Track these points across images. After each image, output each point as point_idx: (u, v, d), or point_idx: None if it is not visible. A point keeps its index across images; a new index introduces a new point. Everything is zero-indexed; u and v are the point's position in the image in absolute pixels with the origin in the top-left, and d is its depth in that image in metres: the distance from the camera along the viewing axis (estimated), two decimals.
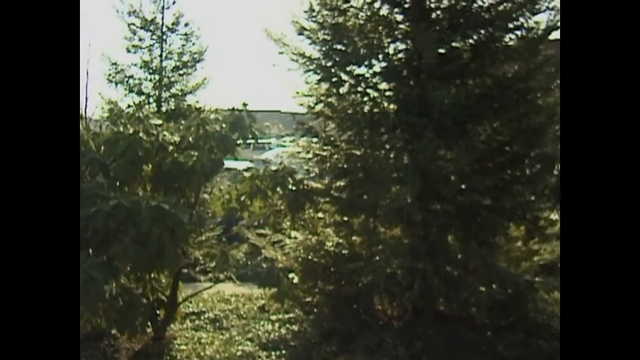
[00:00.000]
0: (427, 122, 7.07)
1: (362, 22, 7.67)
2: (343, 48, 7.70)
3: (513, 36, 7.70)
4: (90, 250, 6.15)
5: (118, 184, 6.84)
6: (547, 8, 7.47)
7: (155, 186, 7.17)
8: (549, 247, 7.44)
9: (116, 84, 19.30)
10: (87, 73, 19.10)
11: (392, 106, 7.78)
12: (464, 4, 7.54)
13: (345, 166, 7.78)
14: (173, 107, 19.10)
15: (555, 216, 7.59)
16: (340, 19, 7.73)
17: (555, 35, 7.50)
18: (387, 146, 7.66)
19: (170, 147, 7.07)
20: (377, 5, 7.70)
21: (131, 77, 19.37)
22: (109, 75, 19.24)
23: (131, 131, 6.83)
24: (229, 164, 8.21)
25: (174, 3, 19.33)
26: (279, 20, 8.05)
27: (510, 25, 7.58)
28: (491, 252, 7.35)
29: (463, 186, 7.24)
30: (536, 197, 7.64)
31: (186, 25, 19.51)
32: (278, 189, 7.76)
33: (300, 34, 7.96)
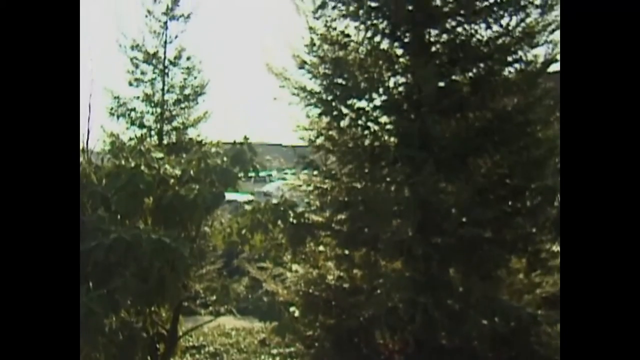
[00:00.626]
0: (427, 155, 7.09)
1: (362, 56, 7.73)
2: (343, 82, 7.75)
3: (512, 69, 7.73)
4: (91, 284, 6.13)
5: (119, 217, 6.84)
6: (545, 42, 7.53)
7: (156, 219, 7.17)
8: (551, 280, 7.40)
9: (118, 117, 19.40)
10: (90, 107, 19.21)
11: (392, 139, 7.81)
12: (463, 38, 7.61)
13: (346, 199, 7.78)
14: (174, 140, 19.17)
15: (556, 248, 7.56)
16: (341, 53, 7.80)
17: (554, 68, 7.55)
18: (388, 179, 7.68)
19: (172, 181, 7.09)
20: (377, 39, 7.77)
21: (133, 110, 19.48)
22: (111, 108, 19.35)
23: (133, 164, 6.86)
24: (230, 196, 8.23)
25: (176, 37, 19.53)
26: (280, 54, 8.10)
27: (509, 59, 7.63)
28: (493, 285, 7.31)
29: (464, 219, 7.23)
30: (537, 230, 7.62)
31: (188, 59, 19.68)
32: (279, 222, 7.76)
33: (301, 68, 8.02)
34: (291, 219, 7.78)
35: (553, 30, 7.47)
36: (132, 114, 19.42)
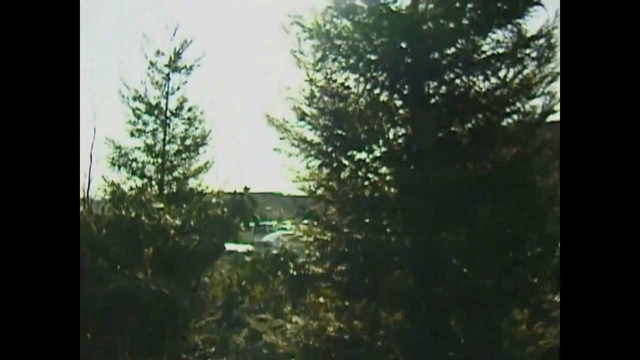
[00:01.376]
0: (427, 205, 7.11)
1: (362, 108, 7.81)
2: (344, 133, 7.82)
3: (510, 120, 7.80)
4: (89, 335, 6.09)
5: (118, 267, 6.83)
6: (543, 93, 7.60)
7: (155, 270, 7.16)
8: (554, 331, 7.33)
9: (119, 167, 19.46)
10: (91, 156, 19.28)
11: (392, 190, 7.84)
12: (461, 89, 7.70)
13: (346, 250, 7.77)
14: (175, 191, 19.19)
15: (559, 299, 7.52)
16: (341, 105, 7.89)
17: (553, 118, 7.62)
18: (388, 230, 7.68)
19: (172, 231, 7.10)
20: (376, 91, 7.86)
21: (134, 160, 19.54)
22: (112, 158, 19.43)
23: (133, 215, 6.88)
24: (230, 246, 8.22)
25: (178, 88, 19.72)
26: (281, 105, 8.18)
27: (507, 110, 7.70)
28: (495, 336, 7.24)
29: (464, 269, 7.21)
30: (539, 280, 7.58)
31: (189, 110, 19.84)
32: (279, 273, 7.74)
33: (302, 119, 8.09)
34: (291, 270, 7.76)
35: (550, 82, 7.56)
36: (133, 164, 19.48)
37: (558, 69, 7.48)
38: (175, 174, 19.60)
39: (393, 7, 7.89)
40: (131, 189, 18.39)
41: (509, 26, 7.64)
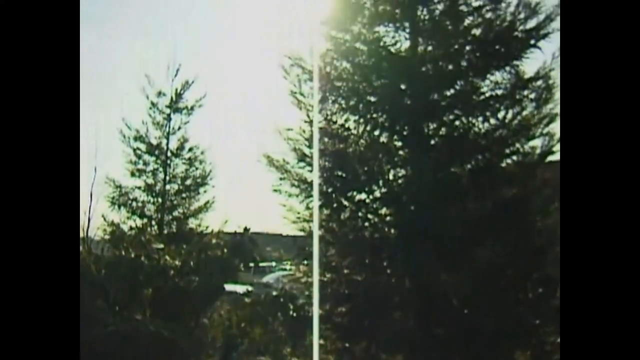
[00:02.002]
0: (427, 246, 7.10)
1: (362, 149, 7.85)
2: (344, 174, 7.84)
3: (510, 161, 7.83)
4: None
5: (117, 308, 6.79)
6: (542, 134, 7.64)
7: (155, 311, 7.12)
8: None
9: (119, 206, 19.41)
10: (91, 195, 19.24)
11: (392, 231, 7.83)
12: (461, 131, 7.74)
13: (346, 291, 7.73)
14: (175, 230, 19.11)
15: (560, 339, 7.43)
16: (341, 146, 7.92)
17: (552, 158, 7.65)
18: (388, 271, 7.65)
19: (172, 272, 7.07)
20: (376, 132, 7.91)
21: (134, 200, 19.50)
22: (113, 198, 19.39)
23: (133, 255, 6.87)
24: (229, 287, 8.18)
25: (179, 128, 19.79)
26: (280, 146, 8.23)
27: (507, 151, 7.74)
28: None
29: (465, 310, 7.17)
30: (540, 321, 7.52)
31: (190, 150, 19.88)
32: (279, 314, 7.69)
33: (301, 160, 8.12)
34: (291, 312, 7.71)
35: (549, 123, 7.62)
36: (134, 203, 19.43)
37: (556, 110, 7.55)
38: (175, 213, 19.54)
39: (392, 49, 8.00)
40: (131, 228, 18.34)
41: (507, 68, 7.73)
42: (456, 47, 7.93)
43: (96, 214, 18.75)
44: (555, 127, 7.59)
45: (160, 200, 19.40)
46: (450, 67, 7.91)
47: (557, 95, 7.55)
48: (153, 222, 19.18)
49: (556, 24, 7.52)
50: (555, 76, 7.55)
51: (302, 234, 8.40)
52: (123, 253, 6.89)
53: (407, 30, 8.00)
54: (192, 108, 19.79)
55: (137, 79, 19.55)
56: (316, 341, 7.61)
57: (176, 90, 19.57)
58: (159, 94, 19.64)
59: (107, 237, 16.62)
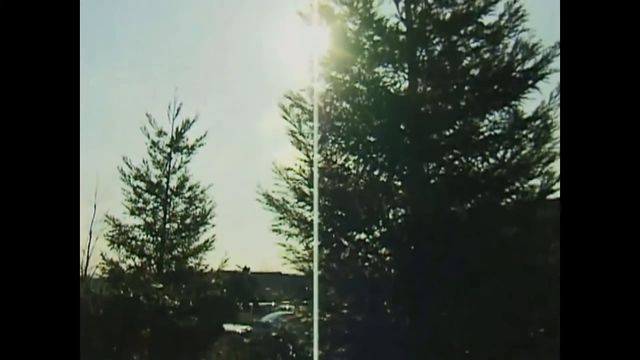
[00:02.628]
0: (427, 285, 7.07)
1: (362, 188, 7.86)
2: (344, 214, 7.84)
3: (509, 200, 7.84)
4: None
5: (115, 348, 6.74)
6: (541, 173, 7.66)
7: (153, 351, 7.06)
8: None
9: (118, 245, 19.34)
10: (90, 234, 19.22)
11: (392, 271, 7.80)
12: (460, 170, 7.76)
13: (346, 332, 7.67)
14: (174, 270, 19.01)
15: None
16: (341, 186, 7.93)
17: (551, 196, 7.65)
18: (389, 311, 7.60)
19: (171, 312, 7.03)
20: (376, 172, 7.93)
21: (134, 238, 19.43)
22: (112, 236, 19.33)
23: (131, 295, 6.83)
24: (228, 327, 8.12)
25: (179, 167, 19.83)
26: (280, 186, 8.24)
27: (506, 190, 7.75)
28: None
29: (466, 350, 7.11)
30: None
31: (190, 189, 19.88)
32: (278, 355, 7.62)
33: (301, 200, 8.13)
34: (291, 352, 7.63)
35: (548, 162, 7.64)
36: (133, 242, 19.36)
37: (555, 149, 7.59)
38: (175, 252, 19.43)
39: (392, 90, 8.07)
40: (130, 267, 18.25)
41: (506, 108, 7.79)
42: (455, 87, 8.00)
43: (95, 253, 18.69)
44: (555, 166, 7.62)
45: (159, 239, 19.32)
46: (449, 107, 7.98)
47: (556, 134, 7.60)
48: (152, 261, 19.07)
49: (554, 64, 7.61)
50: (554, 116, 7.61)
51: (301, 273, 8.37)
52: (122, 292, 6.85)
53: (406, 71, 8.08)
54: (192, 147, 19.83)
55: (138, 117, 19.63)
56: None
57: (177, 129, 19.64)
58: (160, 132, 19.71)
59: (105, 276, 16.54)
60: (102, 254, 18.53)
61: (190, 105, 24.44)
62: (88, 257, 18.47)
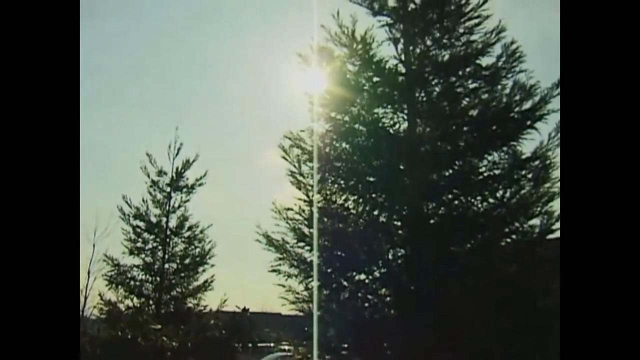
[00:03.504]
0: (428, 325, 7.02)
1: (361, 228, 7.86)
2: (343, 254, 7.82)
3: (509, 239, 7.83)
4: None
5: None
6: (541, 212, 7.67)
7: None
8: None
9: (117, 285, 19.22)
10: (89, 273, 19.12)
11: (392, 311, 7.76)
12: (460, 210, 7.77)
13: None
14: (173, 310, 18.86)
15: None
16: (341, 226, 7.93)
17: (551, 236, 7.65)
18: (389, 352, 7.54)
19: (169, 353, 6.97)
20: (376, 212, 7.93)
21: (132, 278, 19.31)
22: (110, 276, 19.22)
23: (129, 336, 6.78)
24: None
25: (179, 207, 19.81)
26: (280, 226, 8.24)
27: (506, 229, 7.75)
28: None
29: None
30: None
31: (190, 229, 19.82)
32: None
33: (301, 240, 8.12)
34: None
35: (547, 201, 7.65)
36: (131, 282, 19.24)
37: (554, 189, 7.60)
38: (174, 293, 19.29)
39: (391, 130, 8.12)
40: (128, 308, 18.11)
41: (505, 148, 7.83)
42: (454, 127, 8.06)
43: (93, 293, 18.56)
44: (554, 206, 7.63)
45: (158, 279, 19.22)
46: (449, 147, 8.02)
47: (555, 174, 7.64)
48: (151, 302, 18.93)
49: (552, 105, 7.67)
50: (552, 156, 7.65)
51: (301, 314, 8.31)
52: (119, 333, 6.79)
53: (406, 112, 8.15)
54: (192, 187, 19.85)
55: (138, 156, 19.70)
56: None
57: (177, 168, 19.69)
58: (160, 172, 19.75)
59: (103, 316, 16.41)
60: (99, 294, 18.41)
61: (190, 144, 24.52)
62: (86, 298, 18.35)
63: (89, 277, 19.39)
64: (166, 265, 19.09)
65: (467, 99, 8.12)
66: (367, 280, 7.90)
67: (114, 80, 51.08)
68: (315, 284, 8.08)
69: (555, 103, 7.65)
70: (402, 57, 8.28)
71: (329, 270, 7.96)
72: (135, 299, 18.58)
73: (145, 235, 19.45)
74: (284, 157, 8.39)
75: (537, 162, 7.73)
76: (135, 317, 7.12)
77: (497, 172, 7.85)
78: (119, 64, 50.49)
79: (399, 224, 7.98)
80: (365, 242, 7.74)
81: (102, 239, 21.21)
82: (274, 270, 8.19)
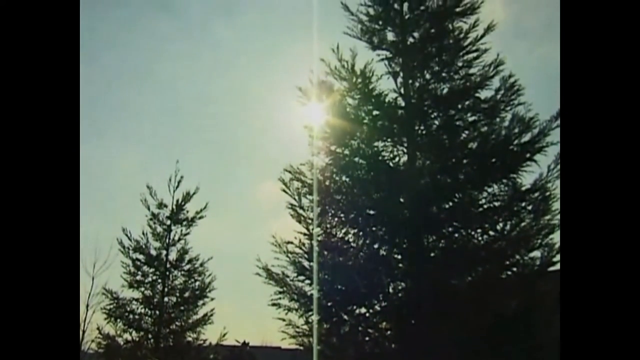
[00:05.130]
0: (429, 358, 6.97)
1: (362, 262, 7.84)
2: (343, 288, 7.79)
3: (510, 272, 7.80)
4: None
5: None
6: (541, 245, 7.65)
7: None
8: None
9: (115, 319, 19.10)
10: (87, 307, 19.00)
11: (393, 345, 7.71)
12: (460, 243, 7.76)
13: None
14: (172, 344, 18.71)
15: None
16: (341, 259, 7.91)
17: (552, 268, 7.62)
18: None
19: None
20: (376, 245, 7.92)
21: (131, 312, 19.20)
22: (109, 310, 19.10)
23: None
24: None
25: (179, 240, 19.77)
26: (280, 260, 8.22)
27: (506, 262, 7.72)
28: None
29: None
30: None
31: (189, 262, 19.76)
32: None
33: (301, 274, 8.10)
34: None
35: (548, 234, 7.63)
36: (130, 316, 19.12)
37: (554, 221, 7.59)
38: (173, 326, 19.17)
39: (391, 163, 8.14)
40: (127, 342, 17.97)
41: (504, 180, 7.84)
42: (453, 160, 8.08)
43: (91, 326, 18.44)
44: (555, 238, 7.62)
45: (157, 312, 19.11)
46: (448, 180, 8.04)
47: (555, 206, 7.63)
48: (150, 335, 18.80)
49: (550, 137, 7.70)
50: (552, 188, 7.66)
51: (301, 348, 8.26)
52: None
53: (405, 145, 8.18)
54: (192, 219, 19.84)
55: (138, 189, 19.71)
56: None
57: (177, 201, 19.70)
58: (160, 205, 19.75)
59: (101, 350, 16.28)
60: (98, 328, 18.30)
61: (191, 177, 24.58)
62: (84, 331, 18.20)
63: (87, 310, 19.27)
64: (165, 299, 19.00)
65: (467, 132, 8.16)
66: (367, 314, 7.86)
67: (114, 113, 51.28)
68: (315, 317, 8.04)
69: (554, 135, 7.69)
70: (402, 90, 8.35)
71: (329, 304, 7.92)
72: (134, 333, 18.46)
73: (145, 268, 19.39)
74: (284, 190, 8.41)
75: (536, 194, 7.73)
76: (134, 351, 7.03)
77: (497, 204, 7.85)
78: (120, 97, 50.74)
79: (400, 257, 7.97)
80: (365, 276, 7.72)
81: (102, 272, 21.09)
82: (274, 304, 8.16)
